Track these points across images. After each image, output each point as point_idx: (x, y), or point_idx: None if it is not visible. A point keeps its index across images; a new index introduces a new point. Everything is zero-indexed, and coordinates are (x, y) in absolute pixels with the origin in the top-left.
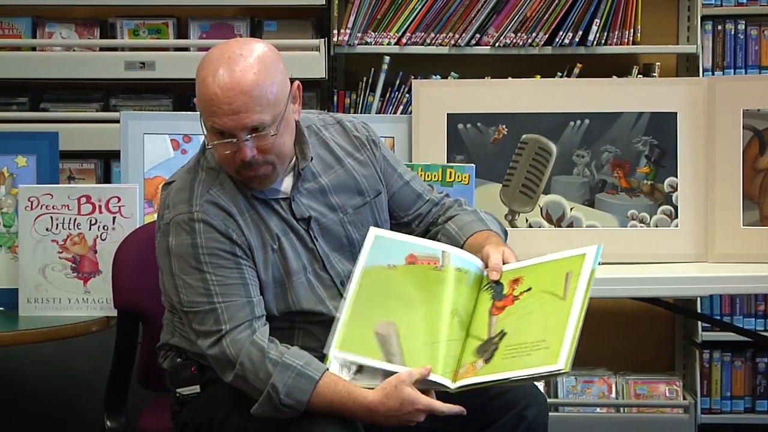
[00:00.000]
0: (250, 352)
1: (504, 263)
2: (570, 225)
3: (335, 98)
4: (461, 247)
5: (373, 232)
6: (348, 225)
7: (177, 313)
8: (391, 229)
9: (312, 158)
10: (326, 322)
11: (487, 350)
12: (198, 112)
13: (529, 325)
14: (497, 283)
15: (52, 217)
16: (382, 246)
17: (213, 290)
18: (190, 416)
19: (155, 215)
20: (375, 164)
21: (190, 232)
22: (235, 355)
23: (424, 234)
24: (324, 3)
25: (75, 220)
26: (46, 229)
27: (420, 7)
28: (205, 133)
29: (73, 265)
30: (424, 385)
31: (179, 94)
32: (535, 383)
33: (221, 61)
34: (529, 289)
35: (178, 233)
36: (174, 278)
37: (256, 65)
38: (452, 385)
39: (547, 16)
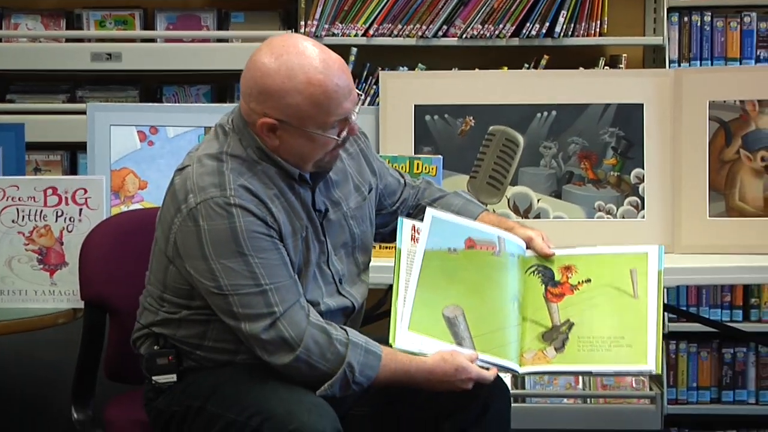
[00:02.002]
0: (314, 335)
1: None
2: (537, 216)
3: None
4: None
5: (431, 213)
6: (351, 219)
7: (165, 303)
8: (378, 220)
9: None
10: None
11: (556, 338)
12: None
13: (600, 319)
14: (544, 267)
15: (18, 209)
16: (441, 228)
17: (259, 272)
18: (166, 405)
19: (122, 207)
20: (368, 155)
21: (227, 216)
22: (296, 337)
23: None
24: None
25: (41, 211)
26: (12, 221)
27: None
28: (322, 133)
29: (40, 257)
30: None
31: (146, 86)
32: (500, 373)
33: (307, 57)
34: (589, 281)
35: (211, 217)
36: (209, 262)
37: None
38: (521, 369)
39: (514, 7)
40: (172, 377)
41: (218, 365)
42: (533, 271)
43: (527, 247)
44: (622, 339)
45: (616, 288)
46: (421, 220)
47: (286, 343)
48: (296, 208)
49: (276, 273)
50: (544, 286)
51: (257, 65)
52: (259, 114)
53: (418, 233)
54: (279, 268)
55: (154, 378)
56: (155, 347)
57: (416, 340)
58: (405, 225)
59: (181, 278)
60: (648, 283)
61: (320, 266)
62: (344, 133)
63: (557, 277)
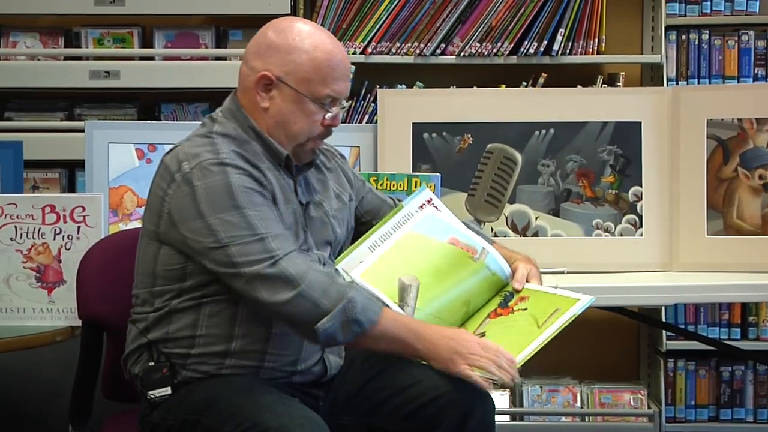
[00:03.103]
0: (316, 274)
1: (527, 280)
2: (535, 234)
3: None
4: None
5: (430, 210)
6: (332, 219)
7: (155, 298)
8: (361, 234)
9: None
10: None
11: None
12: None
13: (501, 336)
14: (511, 294)
15: (16, 227)
16: (433, 223)
17: (255, 223)
18: (161, 418)
19: (120, 225)
20: (346, 171)
21: (221, 174)
22: (298, 274)
23: None
24: (289, 12)
25: (39, 229)
26: (11, 239)
27: (386, 16)
28: (313, 101)
29: (38, 274)
30: None
31: (144, 103)
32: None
33: (319, 31)
34: (525, 309)
35: (206, 176)
36: (206, 219)
37: None
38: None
39: (512, 25)
40: (167, 390)
41: (214, 365)
42: (502, 294)
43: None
44: None
45: (534, 318)
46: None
47: (289, 280)
48: (283, 185)
49: (272, 225)
50: (497, 306)
51: (269, 27)
52: (259, 70)
53: (428, 204)
54: (274, 221)
55: (149, 393)
56: (150, 363)
57: (361, 282)
58: (424, 192)
59: (174, 257)
60: (556, 321)
61: (301, 250)
62: (328, 116)
63: (511, 302)
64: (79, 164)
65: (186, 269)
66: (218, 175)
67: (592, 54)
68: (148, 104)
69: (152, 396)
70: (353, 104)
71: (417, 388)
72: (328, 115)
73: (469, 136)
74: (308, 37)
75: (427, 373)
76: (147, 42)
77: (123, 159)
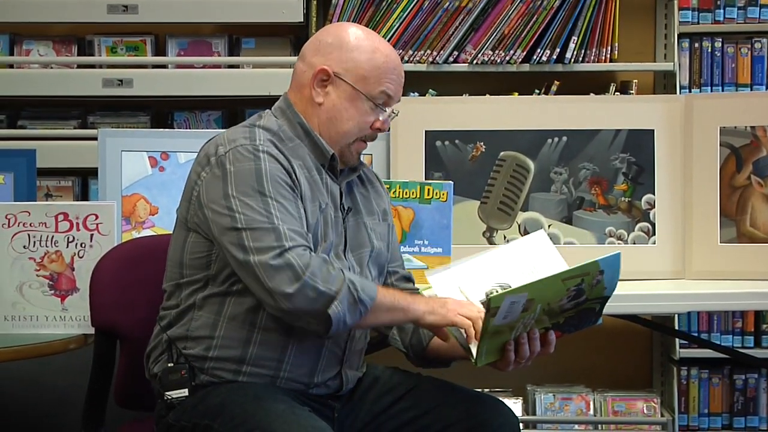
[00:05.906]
0: (317, 261)
1: None
2: None
3: None
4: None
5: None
6: (370, 231)
7: (183, 289)
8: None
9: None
10: None
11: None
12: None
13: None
14: None
15: (29, 235)
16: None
17: (274, 213)
18: (176, 419)
19: (133, 233)
20: (386, 201)
21: (254, 159)
22: (303, 265)
23: None
24: (302, 20)
25: (52, 237)
26: (24, 247)
27: (398, 24)
28: (366, 97)
29: (51, 282)
30: (462, 340)
31: (157, 112)
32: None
33: (377, 37)
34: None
35: (239, 160)
36: (229, 199)
37: None
38: (473, 360)
39: (524, 33)
40: (184, 392)
41: (230, 371)
42: None
43: None
44: None
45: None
46: None
47: (293, 271)
48: (318, 185)
49: (290, 219)
50: None
51: (329, 28)
52: (318, 66)
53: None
54: (293, 218)
55: (167, 393)
56: (169, 364)
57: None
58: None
59: (200, 244)
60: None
61: (338, 254)
62: (381, 118)
63: None
64: (92, 172)
65: (211, 256)
66: (251, 161)
67: (605, 62)
68: (161, 112)
69: (169, 397)
70: None
71: (444, 409)
72: (381, 116)
73: (482, 143)
74: (367, 39)
75: (455, 395)
76: (160, 50)
77: (136, 167)
